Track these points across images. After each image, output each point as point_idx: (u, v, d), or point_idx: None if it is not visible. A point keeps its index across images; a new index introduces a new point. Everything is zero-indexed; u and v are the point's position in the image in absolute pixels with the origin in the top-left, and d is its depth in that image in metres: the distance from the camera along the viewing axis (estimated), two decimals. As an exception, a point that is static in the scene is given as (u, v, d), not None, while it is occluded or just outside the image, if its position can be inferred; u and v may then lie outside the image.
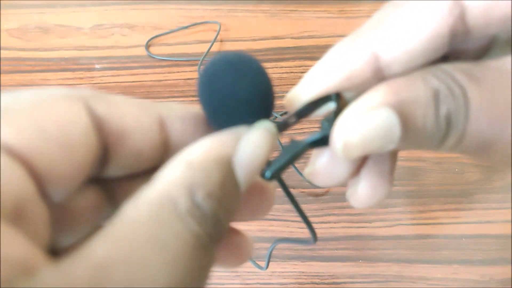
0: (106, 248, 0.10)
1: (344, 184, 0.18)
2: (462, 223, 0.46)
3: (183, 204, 0.11)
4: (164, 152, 0.15)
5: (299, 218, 0.17)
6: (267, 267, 0.42)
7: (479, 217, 0.46)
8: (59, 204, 0.14)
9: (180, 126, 0.15)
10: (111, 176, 0.15)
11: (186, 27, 0.62)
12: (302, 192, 0.48)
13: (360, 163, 0.17)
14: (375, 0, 0.64)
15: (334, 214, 0.47)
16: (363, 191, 0.17)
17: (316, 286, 0.44)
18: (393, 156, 0.18)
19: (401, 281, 0.43)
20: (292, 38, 0.61)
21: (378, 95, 0.14)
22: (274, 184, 0.16)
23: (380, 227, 0.46)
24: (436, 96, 0.13)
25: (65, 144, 0.13)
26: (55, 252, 0.15)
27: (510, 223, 0.45)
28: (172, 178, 0.12)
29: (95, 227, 0.16)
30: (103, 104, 0.14)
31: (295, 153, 0.15)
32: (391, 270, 0.44)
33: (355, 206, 0.18)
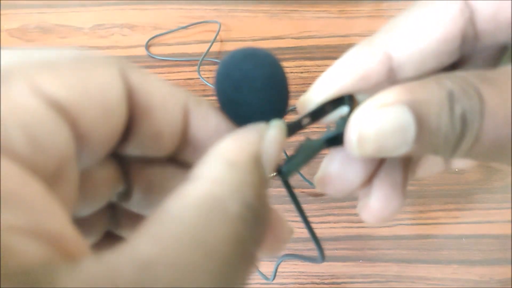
0: (151, 247, 0.10)
1: (354, 193, 0.18)
2: (462, 223, 0.46)
3: (234, 206, 0.11)
4: (180, 143, 0.15)
5: (299, 218, 0.17)
6: (273, 278, 0.42)
7: (479, 217, 0.46)
8: (82, 172, 0.14)
9: (203, 122, 0.15)
10: (128, 153, 0.15)
11: (186, 27, 0.62)
12: (302, 192, 0.48)
13: (373, 172, 0.17)
14: (375, 0, 0.64)
15: (334, 214, 0.47)
16: (375, 202, 0.17)
17: (316, 286, 0.44)
18: (405, 167, 0.17)
19: (401, 281, 0.43)
20: (292, 38, 0.61)
21: (392, 94, 0.14)
22: (289, 226, 0.16)
23: (380, 227, 0.46)
24: (450, 96, 0.13)
25: (105, 107, 0.12)
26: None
27: (510, 223, 0.45)
28: (216, 177, 0.12)
29: (107, 203, 0.16)
30: (136, 75, 0.14)
31: (311, 151, 0.15)
32: (391, 270, 0.44)
33: (367, 220, 0.18)
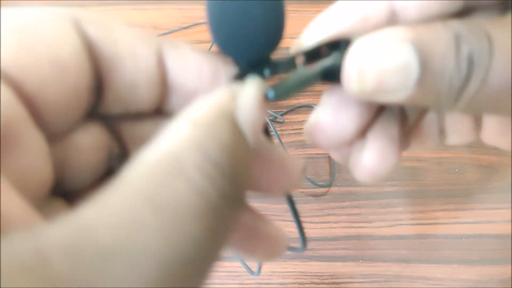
0: (92, 212, 0.09)
1: (344, 150, 0.17)
2: (462, 223, 0.46)
3: (191, 159, 0.10)
4: (162, 92, 0.14)
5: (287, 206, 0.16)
6: (258, 272, 0.42)
7: (479, 217, 0.46)
8: (62, 139, 0.13)
9: (182, 65, 0.14)
10: (110, 111, 0.14)
11: (186, 27, 0.62)
12: (302, 192, 0.48)
13: (368, 122, 0.16)
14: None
15: (334, 214, 0.47)
16: (369, 157, 0.16)
17: (316, 286, 0.44)
18: (402, 119, 0.17)
19: (400, 281, 0.44)
20: (292, 38, 0.61)
21: (396, 31, 0.13)
22: (301, 163, 0.15)
23: (380, 227, 0.46)
24: (457, 37, 0.12)
25: (56, 63, 0.12)
26: (67, 196, 0.14)
27: (510, 223, 0.45)
28: (177, 137, 0.11)
29: (104, 171, 0.15)
30: (94, 26, 0.13)
31: (304, 79, 0.14)
32: (391, 270, 0.44)
33: (359, 177, 0.17)
